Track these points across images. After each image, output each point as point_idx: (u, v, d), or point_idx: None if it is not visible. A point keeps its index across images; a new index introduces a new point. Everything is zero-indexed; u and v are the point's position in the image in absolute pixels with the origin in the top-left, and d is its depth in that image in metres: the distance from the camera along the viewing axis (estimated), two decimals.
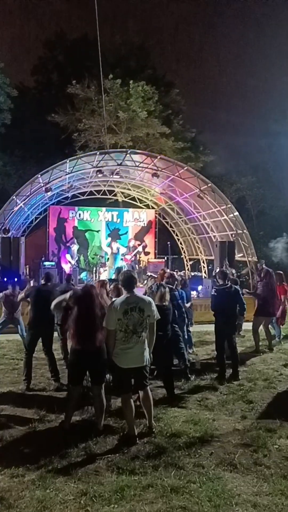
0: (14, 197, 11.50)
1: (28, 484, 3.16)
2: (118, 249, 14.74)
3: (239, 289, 6.35)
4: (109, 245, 15.14)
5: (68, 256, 14.62)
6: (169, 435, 4.04)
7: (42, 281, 5.98)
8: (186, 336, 6.61)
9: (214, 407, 4.80)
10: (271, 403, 4.90)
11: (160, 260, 15.29)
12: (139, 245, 15.76)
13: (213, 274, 9.36)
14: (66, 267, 14.49)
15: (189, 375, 5.83)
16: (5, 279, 10.77)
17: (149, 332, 4.05)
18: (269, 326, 8.01)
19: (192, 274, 15.60)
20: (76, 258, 15.15)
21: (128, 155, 12.22)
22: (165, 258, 15.31)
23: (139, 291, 4.60)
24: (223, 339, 6.07)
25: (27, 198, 11.75)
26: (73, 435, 3.97)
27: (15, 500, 2.95)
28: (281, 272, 8.04)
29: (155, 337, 4.12)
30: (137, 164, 12.48)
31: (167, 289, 5.30)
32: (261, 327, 7.78)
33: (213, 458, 3.61)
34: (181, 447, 3.78)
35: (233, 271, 9.61)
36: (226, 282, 6.19)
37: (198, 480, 3.21)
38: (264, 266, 8.03)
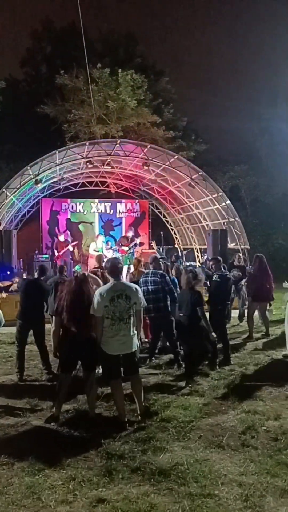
0: (4, 189, 11.42)
1: (17, 471, 3.19)
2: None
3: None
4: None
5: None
6: (159, 420, 4.07)
7: (36, 275, 5.96)
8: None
9: (205, 393, 4.84)
10: (261, 387, 4.95)
11: (153, 251, 15.26)
12: (134, 237, 15.57)
13: (203, 261, 9.46)
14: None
15: (181, 362, 5.87)
16: None
17: (136, 319, 4.07)
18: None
19: (187, 263, 15.62)
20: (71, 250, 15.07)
21: (118, 145, 12.14)
22: (159, 248, 15.26)
23: None
24: (217, 325, 6.11)
25: (17, 191, 11.66)
26: (64, 422, 4.01)
27: (4, 487, 2.98)
28: (262, 255, 8.08)
29: (142, 324, 4.16)
30: (127, 154, 12.40)
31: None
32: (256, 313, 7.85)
33: (201, 441, 3.65)
34: (170, 432, 3.82)
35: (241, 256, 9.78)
36: (224, 270, 6.32)
37: (185, 463, 3.25)
38: (258, 254, 8.12)
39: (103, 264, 5.57)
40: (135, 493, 2.87)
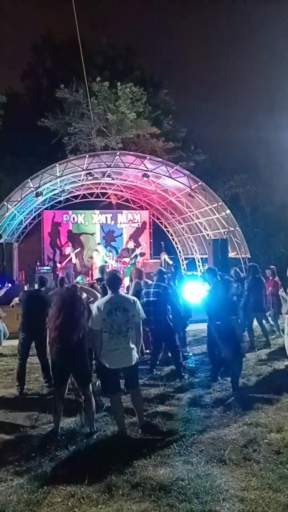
0: (5, 202, 11.50)
1: (16, 488, 3.15)
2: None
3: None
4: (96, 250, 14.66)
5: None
6: (160, 434, 4.03)
7: (36, 286, 5.98)
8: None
9: (207, 405, 4.79)
10: (263, 398, 4.90)
11: (155, 260, 15.26)
12: (136, 247, 15.55)
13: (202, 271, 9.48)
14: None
15: (183, 374, 5.83)
16: None
17: (135, 331, 4.05)
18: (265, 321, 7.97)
19: (189, 273, 15.60)
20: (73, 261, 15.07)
21: (117, 156, 12.24)
22: (170, 258, 15.21)
23: None
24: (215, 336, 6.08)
25: (18, 203, 11.74)
26: (63, 437, 3.97)
27: (2, 505, 2.94)
28: (273, 266, 8.06)
29: (142, 337, 4.14)
30: (127, 165, 12.50)
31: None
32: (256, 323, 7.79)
33: (203, 455, 3.61)
34: (171, 446, 3.78)
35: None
36: (219, 279, 6.30)
37: (187, 478, 3.21)
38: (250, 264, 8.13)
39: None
40: (135, 510, 2.83)
